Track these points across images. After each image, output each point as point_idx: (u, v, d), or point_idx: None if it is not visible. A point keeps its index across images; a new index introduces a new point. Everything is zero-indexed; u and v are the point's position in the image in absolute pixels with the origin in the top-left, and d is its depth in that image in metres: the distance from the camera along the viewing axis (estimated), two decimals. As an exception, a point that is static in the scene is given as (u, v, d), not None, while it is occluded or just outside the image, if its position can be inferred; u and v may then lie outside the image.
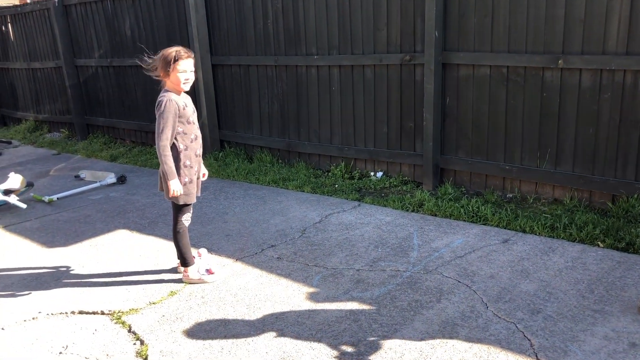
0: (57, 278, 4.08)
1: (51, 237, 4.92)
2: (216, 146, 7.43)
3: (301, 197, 5.59)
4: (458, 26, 5.13)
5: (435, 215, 4.88)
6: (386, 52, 5.63)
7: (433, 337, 3.06)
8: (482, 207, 4.79)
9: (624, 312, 3.18)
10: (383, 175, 5.96)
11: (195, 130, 3.74)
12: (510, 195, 5.17)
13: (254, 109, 7.00)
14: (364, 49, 5.79)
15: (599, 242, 4.11)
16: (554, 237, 4.26)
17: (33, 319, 3.53)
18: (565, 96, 4.68)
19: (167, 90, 3.62)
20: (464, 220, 4.71)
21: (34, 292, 3.88)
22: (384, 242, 4.36)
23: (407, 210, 5.04)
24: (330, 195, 5.57)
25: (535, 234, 4.34)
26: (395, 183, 5.77)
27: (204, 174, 3.93)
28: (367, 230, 4.62)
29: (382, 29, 5.60)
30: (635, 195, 4.44)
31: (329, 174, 6.22)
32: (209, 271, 3.92)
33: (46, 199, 5.94)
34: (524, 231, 4.40)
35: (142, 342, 3.21)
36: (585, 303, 3.31)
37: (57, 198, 6.04)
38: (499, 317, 3.22)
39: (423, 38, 5.27)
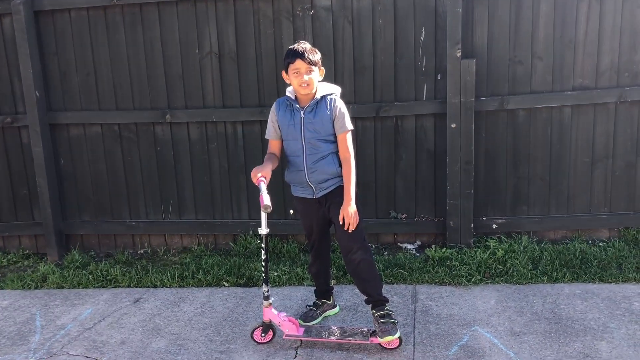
0: None
1: None
2: None
3: None
4: (61, 85, 4.90)
5: (62, 287, 4.50)
6: (-18, 115, 5.02)
7: None
8: (112, 269, 4.61)
9: (246, 346, 3.42)
10: (-1, 252, 5.25)
11: None
12: (142, 251, 5.13)
13: None
14: (-46, 113, 5.05)
15: (225, 283, 4.37)
16: (184, 287, 4.36)
17: None
18: (178, 148, 4.90)
19: None
20: (94, 287, 4.45)
21: None
22: (0, 333, 3.80)
23: (29, 289, 4.52)
24: None
25: (167, 287, 4.37)
26: (14, 259, 5.13)
27: None
28: (-23, 323, 3.96)
29: (-27, 90, 4.98)
30: (251, 232, 4.89)
31: None
32: None
33: None
34: (155, 286, 4.39)
35: None
36: (213, 347, 3.45)
37: None
38: (130, 386, 3.09)
39: (23, 98, 4.86)
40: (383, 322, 3.23)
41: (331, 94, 3.32)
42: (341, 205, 3.26)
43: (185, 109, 4.81)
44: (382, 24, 4.46)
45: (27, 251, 5.27)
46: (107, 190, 5.06)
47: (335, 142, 3.32)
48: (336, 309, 3.78)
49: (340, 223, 3.25)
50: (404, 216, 4.73)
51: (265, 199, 3.13)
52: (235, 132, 4.81)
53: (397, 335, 3.21)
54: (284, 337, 3.37)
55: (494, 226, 4.61)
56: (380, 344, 3.25)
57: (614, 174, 4.50)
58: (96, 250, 5.21)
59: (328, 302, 3.74)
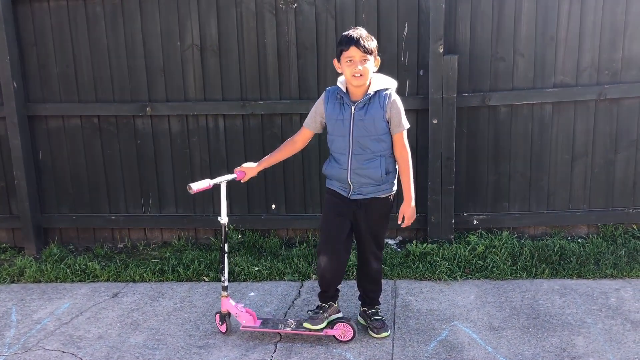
0: None
1: None
2: None
3: None
4: (40, 76, 4.82)
5: (40, 281, 4.44)
6: (-42, 106, 4.93)
7: None
8: (90, 263, 4.56)
9: (225, 341, 3.40)
10: (-25, 246, 5.16)
11: None
12: (121, 246, 5.07)
13: None
14: None
15: (205, 277, 4.34)
16: (163, 281, 4.33)
17: None
18: (159, 142, 4.85)
19: None
20: (72, 281, 4.40)
21: None
22: (-26, 327, 3.74)
23: (5, 283, 4.45)
24: None
25: (146, 281, 4.33)
26: (-9, 253, 5.06)
27: None
28: (-49, 317, 3.89)
29: (-51, 80, 4.88)
30: (232, 226, 4.85)
31: None
32: None
33: None
34: (134, 280, 4.35)
35: None
36: (192, 341, 3.42)
37: None
38: (107, 381, 3.06)
39: (1, 90, 4.77)
40: (376, 319, 3.36)
41: (387, 89, 3.12)
42: (375, 219, 3.25)
43: (166, 101, 4.75)
44: (365, 18, 4.45)
45: (4, 245, 5.19)
46: (87, 183, 4.99)
47: (386, 142, 3.13)
48: (340, 314, 3.47)
49: (399, 222, 3.22)
50: (385, 211, 4.73)
51: (197, 184, 3.17)
52: (217, 125, 4.77)
53: (390, 332, 3.38)
54: (241, 328, 3.39)
55: (475, 222, 4.63)
56: (334, 336, 3.31)
57: (593, 171, 4.54)
58: (75, 244, 5.15)
59: (334, 304, 3.41)
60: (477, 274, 4.11)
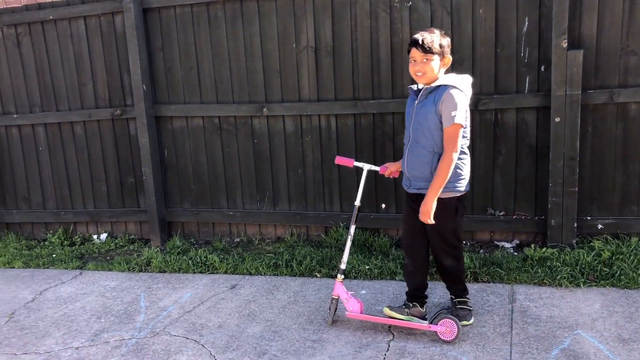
0: None
1: None
2: None
3: (10, 274, 4.92)
4: (166, 79, 5.15)
5: (164, 271, 4.74)
6: (95, 107, 5.37)
7: (160, 406, 2.90)
8: (210, 256, 4.79)
9: (338, 337, 3.44)
10: (108, 236, 5.61)
11: None
12: (238, 240, 5.30)
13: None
14: (71, 106, 5.44)
15: (317, 273, 4.42)
16: (277, 275, 4.46)
17: None
18: (274, 141, 5.01)
19: None
20: (193, 272, 4.66)
21: None
22: (108, 311, 4.06)
23: (134, 271, 4.79)
24: (47, 267, 5.02)
25: (261, 275, 4.49)
26: (121, 243, 5.47)
27: None
28: (89, 301, 4.25)
29: (88, 84, 5.33)
30: (342, 225, 4.91)
31: (46, 243, 5.62)
32: None
33: None
34: (250, 274, 4.53)
35: None
36: (306, 335, 3.50)
37: None
38: (228, 368, 3.20)
39: (132, 92, 5.16)
40: (461, 308, 3.39)
41: (449, 85, 3.09)
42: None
43: (282, 102, 4.90)
44: (482, 14, 4.32)
45: (133, 236, 5.60)
46: (207, 180, 5.27)
47: (436, 139, 3.12)
48: (425, 322, 3.34)
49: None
50: (501, 213, 4.57)
51: (342, 157, 3.62)
52: (329, 125, 4.84)
53: (472, 321, 3.39)
54: (346, 314, 3.51)
55: (600, 226, 4.35)
56: (436, 332, 3.30)
57: None
58: (195, 237, 5.44)
59: (419, 308, 3.46)
60: (602, 282, 3.86)
